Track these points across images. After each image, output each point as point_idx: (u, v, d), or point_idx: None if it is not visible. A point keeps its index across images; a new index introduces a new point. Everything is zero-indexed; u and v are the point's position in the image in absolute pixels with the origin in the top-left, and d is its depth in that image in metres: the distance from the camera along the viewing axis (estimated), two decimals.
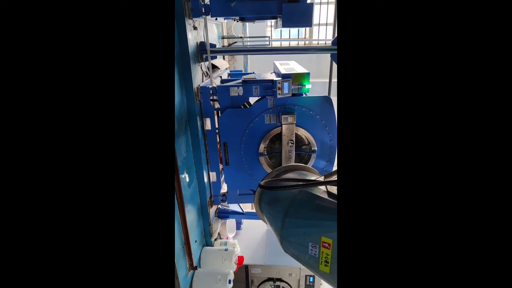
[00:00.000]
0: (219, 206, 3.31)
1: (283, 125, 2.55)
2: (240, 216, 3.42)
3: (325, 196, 1.38)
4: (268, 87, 2.52)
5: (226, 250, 2.98)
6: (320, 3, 5.16)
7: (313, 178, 1.63)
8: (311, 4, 2.33)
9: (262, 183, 1.60)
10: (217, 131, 2.75)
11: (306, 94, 2.64)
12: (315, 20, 5.25)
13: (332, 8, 5.12)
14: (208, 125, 2.72)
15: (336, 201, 1.33)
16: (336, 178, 1.47)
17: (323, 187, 1.42)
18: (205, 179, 2.84)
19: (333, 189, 1.39)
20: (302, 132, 2.65)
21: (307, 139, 2.69)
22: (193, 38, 2.42)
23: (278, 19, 2.54)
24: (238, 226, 3.89)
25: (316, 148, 2.69)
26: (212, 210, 3.13)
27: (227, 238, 3.50)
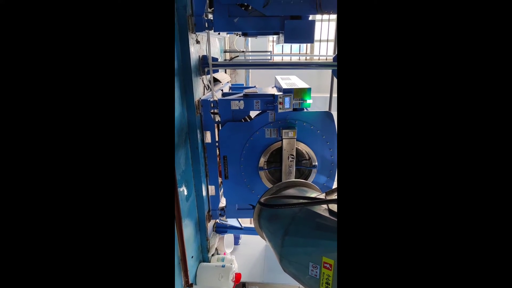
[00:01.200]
0: (217, 220, 3.25)
1: (283, 140, 2.54)
2: (238, 231, 3.35)
3: (326, 214, 1.35)
4: (269, 101, 2.52)
5: (223, 266, 2.90)
6: (322, 20, 5.26)
7: (313, 195, 1.60)
8: (313, 21, 2.37)
9: (262, 200, 1.56)
10: (217, 144, 2.73)
11: (307, 109, 2.64)
12: (317, 36, 5.34)
13: (333, 25, 5.22)
14: (208, 138, 2.70)
15: (337, 219, 1.30)
16: (337, 196, 1.44)
17: (324, 205, 1.38)
18: (204, 193, 2.79)
19: (335, 207, 1.35)
20: (303, 147, 2.63)
21: (307, 154, 2.67)
22: (195, 51, 2.44)
23: (280, 34, 2.58)
24: (236, 241, 3.81)
25: (316, 163, 2.66)
26: (210, 225, 3.07)
27: (224, 254, 3.41)
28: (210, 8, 2.43)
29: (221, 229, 3.28)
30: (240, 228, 3.30)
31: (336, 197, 1.43)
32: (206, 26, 2.37)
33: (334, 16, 4.92)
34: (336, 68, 2.52)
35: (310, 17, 2.44)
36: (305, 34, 2.36)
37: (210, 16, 2.42)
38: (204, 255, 3.03)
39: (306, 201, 1.46)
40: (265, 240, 1.73)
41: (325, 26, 5.37)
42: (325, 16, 5.10)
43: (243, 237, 3.88)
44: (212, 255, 3.20)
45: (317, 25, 5.18)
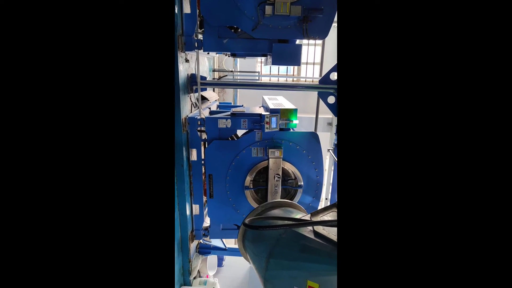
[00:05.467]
0: (201, 241, 3.15)
1: (270, 159, 2.54)
2: (222, 252, 3.25)
3: (312, 235, 1.33)
4: (256, 120, 2.54)
5: None
6: (308, 44, 5.47)
7: (299, 215, 1.59)
8: (300, 45, 2.46)
9: (246, 221, 1.54)
10: (202, 162, 2.70)
11: (293, 129, 2.67)
12: (303, 59, 5.53)
13: (319, 49, 5.43)
14: (194, 156, 2.67)
15: (322, 241, 1.29)
16: (322, 218, 1.44)
17: (309, 227, 1.37)
18: (188, 212, 2.72)
19: (319, 229, 1.34)
20: (289, 167, 2.64)
21: (293, 173, 2.68)
22: (184, 70, 2.46)
23: (268, 56, 2.65)
24: (220, 262, 3.69)
25: (302, 183, 2.67)
26: (193, 245, 2.97)
27: (207, 276, 3.29)
28: (200, 29, 2.48)
29: (204, 250, 3.18)
30: (224, 249, 3.21)
31: (321, 218, 1.43)
32: (196, 45, 2.41)
33: (320, 41, 5.13)
34: (322, 90, 2.60)
35: (297, 41, 2.53)
36: (292, 57, 2.44)
37: (200, 37, 2.47)
38: (185, 278, 2.91)
39: (291, 222, 1.45)
40: (249, 262, 1.68)
41: (312, 50, 5.58)
42: (312, 40, 5.31)
43: (227, 259, 3.77)
44: (194, 278, 3.07)
45: (304, 49, 5.37)
